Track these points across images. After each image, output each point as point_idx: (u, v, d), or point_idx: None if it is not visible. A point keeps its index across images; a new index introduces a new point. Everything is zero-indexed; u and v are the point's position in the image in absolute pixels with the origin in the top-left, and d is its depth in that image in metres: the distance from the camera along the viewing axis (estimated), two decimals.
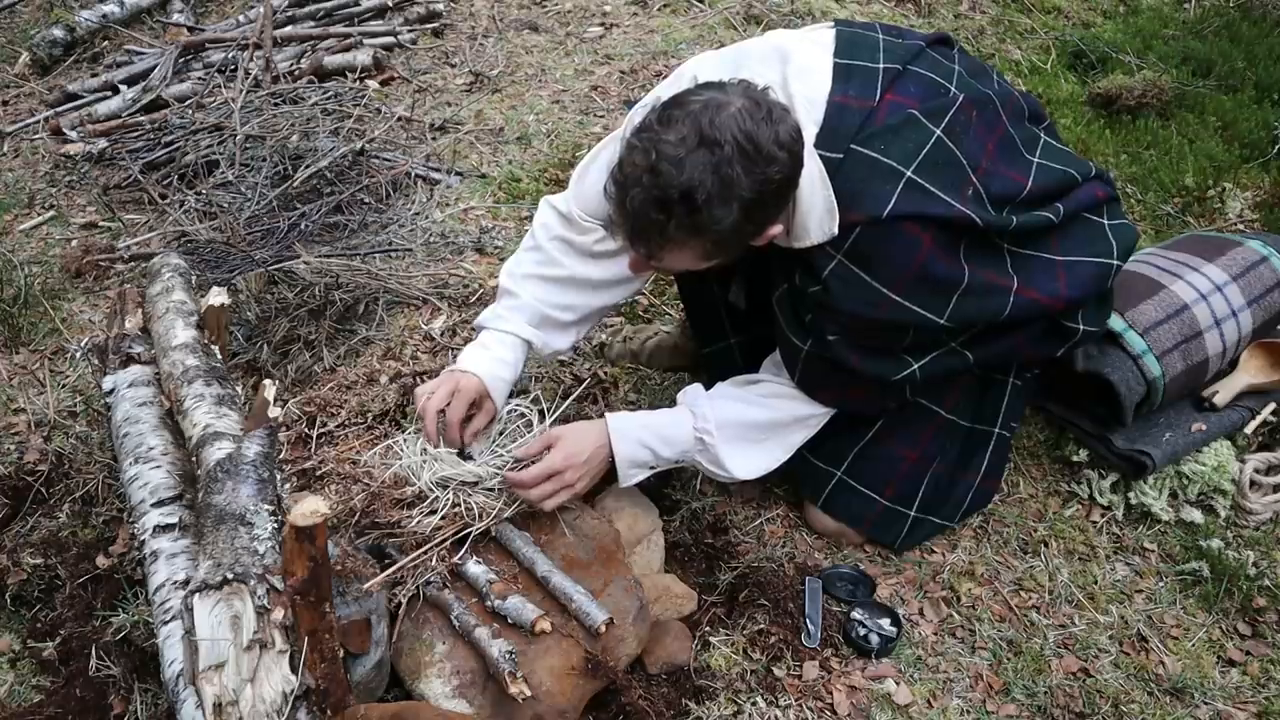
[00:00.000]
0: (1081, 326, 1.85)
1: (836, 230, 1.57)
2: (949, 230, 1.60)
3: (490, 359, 1.83)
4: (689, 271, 1.79)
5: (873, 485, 1.94)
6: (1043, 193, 1.74)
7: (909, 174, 1.57)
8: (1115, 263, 1.81)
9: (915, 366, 1.73)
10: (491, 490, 1.73)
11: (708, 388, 1.85)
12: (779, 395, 1.80)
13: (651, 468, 1.81)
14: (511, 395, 1.92)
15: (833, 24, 1.73)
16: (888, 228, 1.57)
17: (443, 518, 1.69)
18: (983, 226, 1.62)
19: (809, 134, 1.56)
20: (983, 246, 1.67)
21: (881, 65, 1.65)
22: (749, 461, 1.81)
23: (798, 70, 1.61)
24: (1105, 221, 1.85)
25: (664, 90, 1.64)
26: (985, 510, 2.08)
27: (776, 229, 1.57)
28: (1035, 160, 1.77)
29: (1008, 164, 1.72)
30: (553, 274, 1.89)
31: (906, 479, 1.94)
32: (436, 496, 1.71)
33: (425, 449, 1.78)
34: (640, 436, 1.77)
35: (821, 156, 1.57)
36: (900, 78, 1.65)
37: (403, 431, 1.88)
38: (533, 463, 1.73)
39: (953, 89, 1.68)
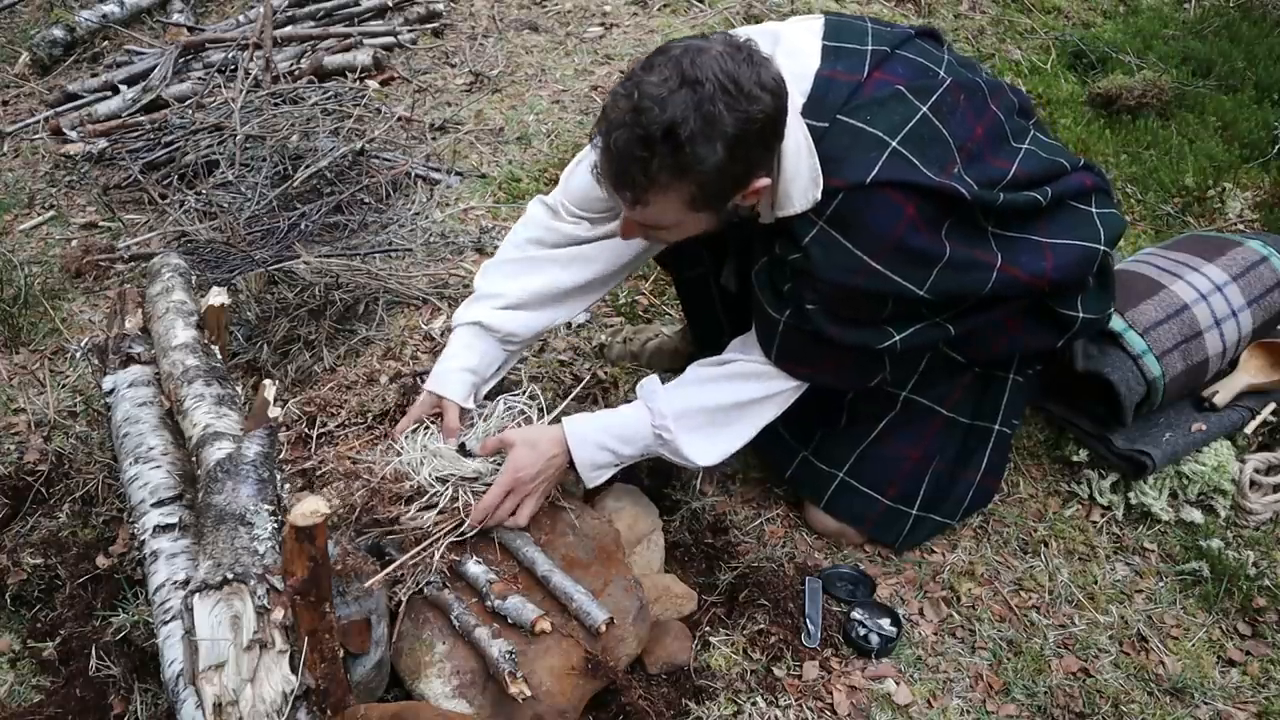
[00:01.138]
0: (1081, 314, 1.85)
1: (819, 196, 1.58)
2: (933, 203, 1.60)
3: (441, 361, 1.87)
4: (680, 247, 1.77)
5: (875, 485, 1.93)
6: (1029, 178, 1.74)
7: (894, 144, 1.58)
8: (1102, 248, 1.80)
9: (897, 338, 1.72)
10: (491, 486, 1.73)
11: None
12: (746, 375, 1.79)
13: (615, 465, 1.81)
14: (510, 391, 1.92)
15: (822, 14, 1.75)
16: (870, 194, 1.58)
17: (441, 513, 1.69)
18: (969, 200, 1.62)
19: (795, 104, 1.57)
20: (966, 225, 1.67)
21: (870, 47, 1.67)
22: (713, 447, 1.80)
23: (787, 50, 1.63)
24: (1093, 210, 1.85)
25: None
26: (985, 510, 2.08)
27: (763, 181, 1.56)
28: (1023, 148, 1.77)
29: (994, 150, 1.72)
30: (521, 256, 1.90)
31: (909, 478, 1.94)
32: (437, 492, 1.71)
33: (425, 445, 1.78)
34: (599, 440, 1.76)
35: (807, 125, 1.58)
36: (888, 59, 1.67)
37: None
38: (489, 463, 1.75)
39: (940, 73, 1.69)
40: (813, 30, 1.69)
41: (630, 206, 1.57)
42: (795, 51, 1.63)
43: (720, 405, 1.78)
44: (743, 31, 1.68)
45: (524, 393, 1.92)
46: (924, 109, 1.62)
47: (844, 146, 1.58)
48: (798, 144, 1.56)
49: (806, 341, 1.72)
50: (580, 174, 1.85)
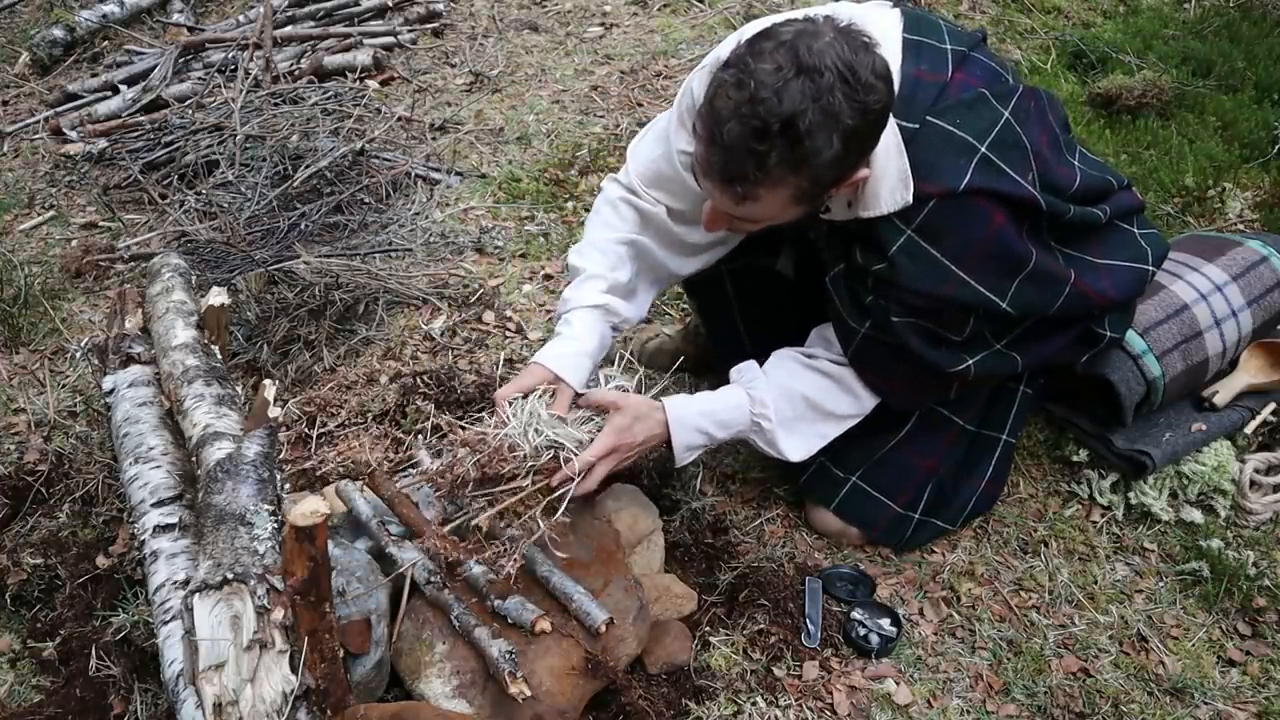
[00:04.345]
0: (1108, 334, 1.88)
1: (910, 199, 1.55)
2: (1017, 212, 1.60)
3: (554, 342, 1.81)
4: (744, 243, 1.75)
5: (887, 491, 1.94)
6: (1086, 193, 1.75)
7: (983, 149, 1.56)
8: (1151, 269, 1.83)
9: (970, 362, 1.73)
10: None
11: (714, 387, 1.85)
12: (832, 377, 1.80)
13: (706, 447, 1.82)
14: (607, 368, 1.90)
15: (892, 3, 1.70)
16: (962, 202, 1.56)
17: (538, 473, 1.66)
18: (1045, 210, 1.62)
19: None
20: (1037, 236, 1.67)
21: (949, 46, 1.64)
22: (803, 443, 1.82)
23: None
24: (1135, 230, 1.87)
25: (723, 51, 1.59)
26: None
27: (864, 172, 1.52)
28: (1075, 162, 1.78)
29: (1057, 160, 1.72)
30: (613, 238, 1.87)
31: (919, 486, 1.94)
32: (541, 453, 1.67)
33: (533, 412, 1.73)
34: (698, 424, 1.77)
35: (897, 124, 1.54)
36: (966, 60, 1.64)
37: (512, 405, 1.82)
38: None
39: (1010, 78, 1.68)
40: (891, 20, 1.63)
41: (738, 202, 1.49)
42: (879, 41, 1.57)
43: (810, 401, 1.80)
44: (819, 11, 1.64)
45: (621, 370, 1.87)
46: (1006, 113, 1.60)
47: (935, 150, 1.55)
48: (887, 144, 1.52)
49: (884, 353, 1.73)
50: (645, 150, 1.83)
